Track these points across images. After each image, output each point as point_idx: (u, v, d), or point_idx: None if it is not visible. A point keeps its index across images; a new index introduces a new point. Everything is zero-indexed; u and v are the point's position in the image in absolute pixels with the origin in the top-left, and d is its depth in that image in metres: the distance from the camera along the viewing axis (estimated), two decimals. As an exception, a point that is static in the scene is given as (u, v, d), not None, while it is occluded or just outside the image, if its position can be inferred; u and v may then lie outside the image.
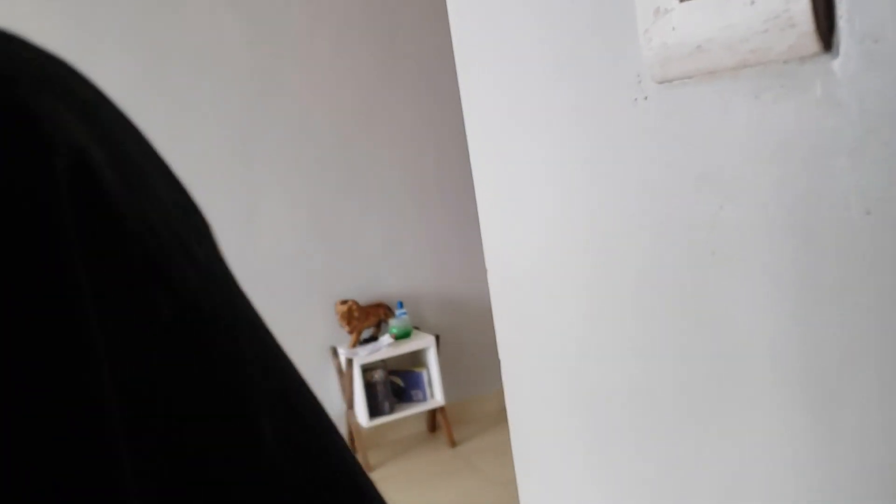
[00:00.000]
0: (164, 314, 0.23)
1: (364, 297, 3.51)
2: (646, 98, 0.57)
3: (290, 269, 3.37)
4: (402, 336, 3.41)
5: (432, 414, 3.61)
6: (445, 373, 3.55)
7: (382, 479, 3.20)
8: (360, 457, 3.33)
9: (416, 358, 3.51)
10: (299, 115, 3.35)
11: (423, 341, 3.38)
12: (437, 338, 3.43)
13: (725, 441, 0.61)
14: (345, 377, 3.34)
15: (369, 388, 3.32)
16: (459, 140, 3.66)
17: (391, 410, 3.35)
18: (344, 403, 3.45)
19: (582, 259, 0.68)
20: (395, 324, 3.42)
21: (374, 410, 3.32)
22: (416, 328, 3.56)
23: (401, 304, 3.45)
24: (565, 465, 0.83)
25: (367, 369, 3.33)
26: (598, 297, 0.67)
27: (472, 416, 3.74)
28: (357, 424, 3.33)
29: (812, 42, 0.42)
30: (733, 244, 0.54)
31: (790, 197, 0.48)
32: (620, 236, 0.64)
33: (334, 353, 3.44)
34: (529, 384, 0.86)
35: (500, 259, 0.87)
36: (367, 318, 3.39)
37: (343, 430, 3.51)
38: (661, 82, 0.55)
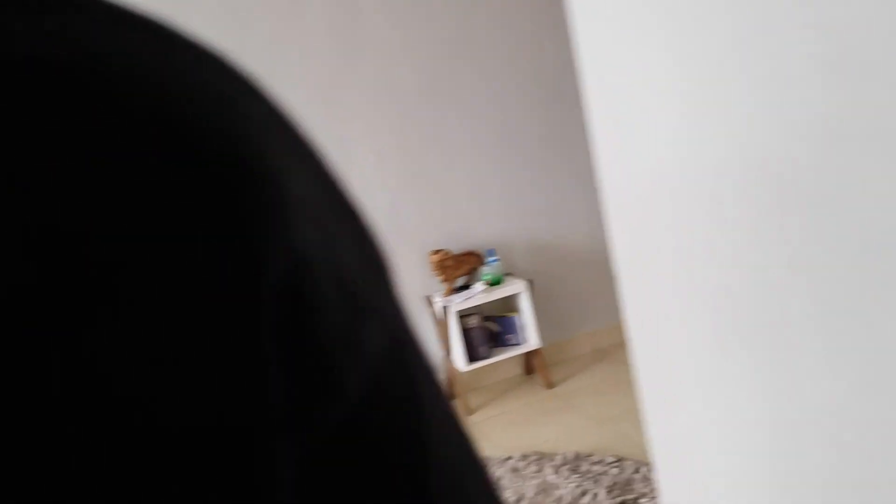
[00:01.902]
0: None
1: (456, 246, 3.57)
2: None
3: (382, 222, 3.46)
4: (495, 283, 3.46)
5: (527, 357, 3.67)
6: (539, 316, 3.60)
7: (483, 420, 3.29)
8: (459, 400, 3.43)
9: (510, 303, 3.56)
10: (385, 66, 3.40)
11: (515, 286, 3.42)
12: (530, 282, 3.46)
13: (860, 334, 0.63)
14: (441, 325, 3.43)
15: (465, 334, 3.40)
16: (545, 82, 3.64)
17: (488, 355, 3.43)
18: (441, 350, 3.55)
19: (706, 163, 0.70)
20: (487, 271, 3.47)
21: (472, 355, 3.40)
22: (508, 274, 3.61)
23: (492, 252, 3.50)
24: (691, 374, 0.85)
25: (462, 316, 3.40)
26: (727, 201, 0.69)
27: (566, 357, 3.78)
28: (455, 370, 3.42)
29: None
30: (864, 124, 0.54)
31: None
32: (743, 133, 0.65)
33: (429, 301, 3.52)
34: (652, 302, 0.88)
35: (616, 182, 0.89)
36: (460, 267, 3.46)
37: (441, 375, 3.62)
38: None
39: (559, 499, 2.53)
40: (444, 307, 3.35)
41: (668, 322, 0.86)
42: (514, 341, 3.51)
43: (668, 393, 0.92)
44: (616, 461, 2.66)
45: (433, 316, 3.51)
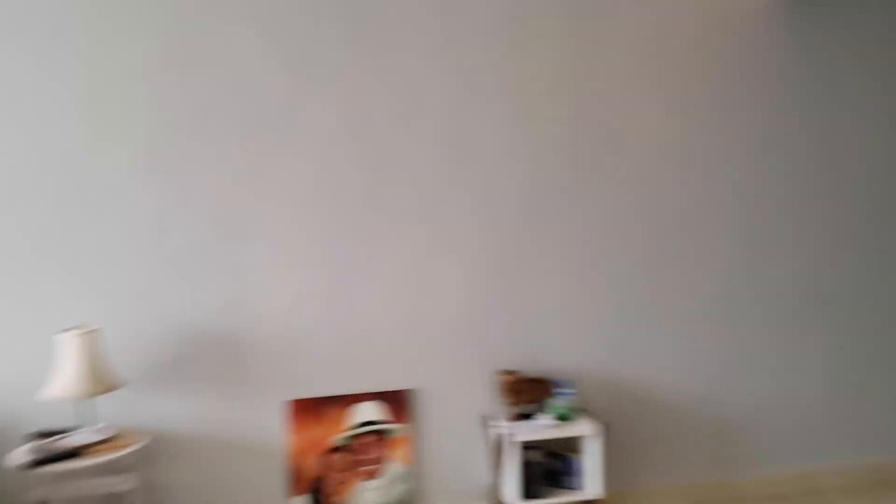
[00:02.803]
0: None
1: (527, 368, 3.36)
2: None
3: (457, 329, 3.29)
4: (565, 418, 3.23)
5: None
6: (610, 459, 3.34)
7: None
8: (504, 537, 3.18)
9: (574, 442, 3.31)
10: (486, 176, 3.27)
11: (587, 428, 3.18)
12: (607, 427, 3.21)
13: None
14: (496, 451, 3.21)
15: (524, 467, 3.16)
16: (656, 208, 3.45)
17: (543, 494, 3.17)
18: (491, 477, 3.32)
19: None
20: (558, 403, 3.24)
21: (528, 492, 3.16)
22: (581, 410, 3.37)
23: (567, 383, 3.27)
24: None
25: (523, 448, 3.17)
26: None
27: (628, 511, 3.50)
28: (504, 502, 3.18)
29: None
30: None
31: None
32: None
33: (485, 422, 3.31)
34: None
35: None
36: (529, 393, 3.25)
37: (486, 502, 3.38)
38: None
39: None
40: (507, 434, 3.12)
41: None
42: (572, 485, 3.25)
43: None
44: None
45: (488, 439, 3.29)
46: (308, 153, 3.12)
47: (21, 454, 2.75)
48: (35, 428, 3.01)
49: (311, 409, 3.18)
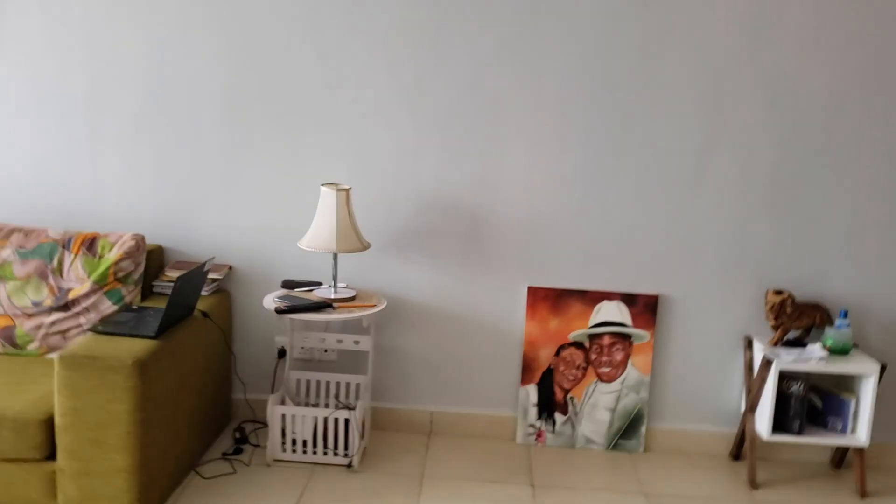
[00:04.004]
0: None
1: (800, 292, 2.96)
2: None
3: (728, 240, 2.94)
4: (839, 351, 2.82)
5: (842, 450, 3.01)
6: (877, 408, 2.91)
7: (768, 501, 2.74)
8: (747, 466, 2.88)
9: (844, 382, 2.91)
10: (788, 68, 2.81)
11: (863, 366, 2.76)
12: (883, 367, 2.77)
13: None
14: (754, 376, 2.88)
15: (781, 398, 2.82)
16: None
17: (800, 431, 2.82)
18: (743, 403, 3.01)
19: None
20: (832, 335, 2.83)
21: (780, 425, 2.83)
22: (855, 346, 2.94)
23: (844, 314, 2.84)
24: None
25: (783, 377, 2.82)
26: None
27: (893, 465, 3.06)
28: (754, 432, 2.87)
29: None
30: None
31: None
32: None
33: (748, 344, 2.97)
34: None
35: None
36: (800, 318, 2.86)
37: (731, 429, 3.09)
38: None
39: None
40: (768, 359, 2.78)
41: None
42: (836, 427, 2.86)
43: None
44: None
45: (746, 361, 2.96)
46: (575, 27, 2.82)
47: (272, 300, 2.81)
48: (284, 276, 3.08)
49: (551, 299, 3.00)
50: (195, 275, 2.60)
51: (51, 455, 2.30)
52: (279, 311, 2.70)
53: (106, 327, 2.47)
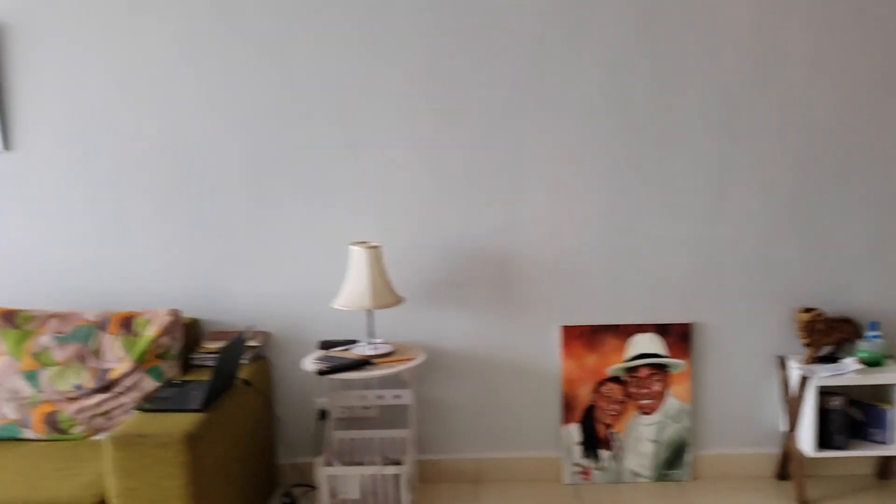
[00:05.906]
0: None
1: (829, 308, 3.02)
2: None
3: (753, 263, 3.00)
4: (873, 363, 2.87)
5: (886, 459, 3.04)
6: (916, 416, 2.94)
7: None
8: (795, 485, 2.90)
9: (882, 392, 2.95)
10: (801, 89, 2.91)
11: (898, 374, 2.80)
12: (919, 374, 2.82)
13: None
14: (791, 395, 2.91)
15: (822, 414, 2.85)
16: None
17: (844, 445, 2.85)
18: (783, 422, 3.04)
19: None
20: (864, 347, 2.88)
21: (825, 441, 2.86)
22: (888, 356, 2.99)
23: (874, 325, 2.90)
24: None
25: (822, 393, 2.86)
26: None
27: (937, 473, 3.09)
28: (798, 451, 2.89)
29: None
30: None
31: None
32: None
33: (781, 363, 3.01)
34: None
35: None
36: (831, 334, 2.91)
37: (774, 450, 3.11)
38: None
39: None
40: (804, 377, 2.82)
41: None
42: (878, 437, 2.89)
43: None
44: None
45: (781, 381, 3.00)
46: (587, 69, 2.91)
47: (310, 362, 2.83)
48: (320, 337, 3.10)
49: (586, 336, 3.04)
50: (236, 344, 2.62)
51: (113, 539, 2.29)
52: (322, 373, 2.72)
53: (152, 404, 2.47)
